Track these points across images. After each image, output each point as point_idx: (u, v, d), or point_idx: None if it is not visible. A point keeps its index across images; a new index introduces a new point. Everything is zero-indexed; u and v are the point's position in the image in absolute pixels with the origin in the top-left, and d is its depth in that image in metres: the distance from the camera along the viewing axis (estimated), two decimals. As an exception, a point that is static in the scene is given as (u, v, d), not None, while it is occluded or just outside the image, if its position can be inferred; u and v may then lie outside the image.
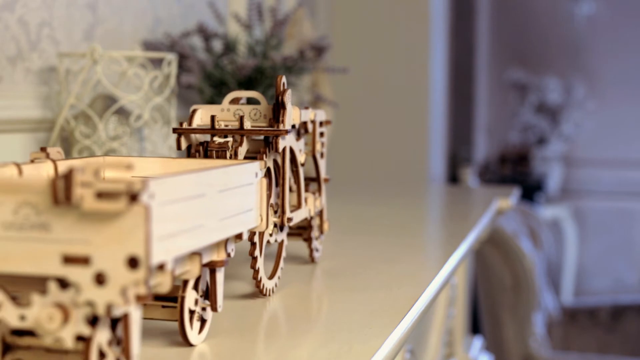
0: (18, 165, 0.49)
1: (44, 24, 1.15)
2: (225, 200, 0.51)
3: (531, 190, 3.70)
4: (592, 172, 4.30)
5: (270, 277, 0.72)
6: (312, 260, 0.87)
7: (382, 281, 0.78)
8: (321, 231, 0.87)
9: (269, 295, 0.72)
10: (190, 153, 0.68)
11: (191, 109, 0.70)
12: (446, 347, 1.33)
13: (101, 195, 0.40)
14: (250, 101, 1.30)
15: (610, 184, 4.28)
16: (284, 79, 0.69)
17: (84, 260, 0.41)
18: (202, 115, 0.70)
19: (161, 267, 0.43)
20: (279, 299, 0.71)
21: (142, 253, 0.40)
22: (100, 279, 0.41)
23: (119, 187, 0.40)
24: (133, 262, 0.40)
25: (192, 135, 0.68)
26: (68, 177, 0.40)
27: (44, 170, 0.52)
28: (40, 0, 1.14)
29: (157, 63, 1.22)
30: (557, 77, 4.28)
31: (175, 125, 1.16)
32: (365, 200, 1.53)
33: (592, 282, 4.21)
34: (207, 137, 0.71)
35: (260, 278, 0.69)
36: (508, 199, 1.52)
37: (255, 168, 0.57)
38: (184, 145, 0.68)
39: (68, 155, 1.13)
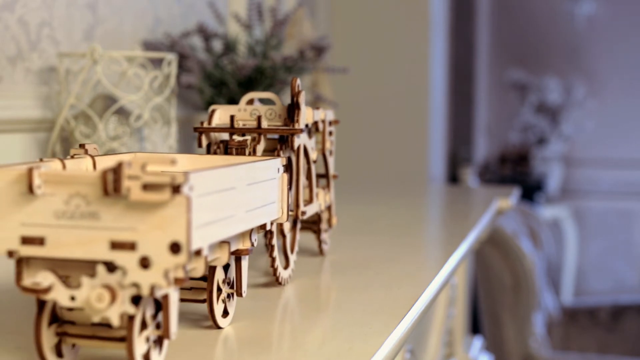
0: (62, 160, 0.53)
1: (44, 24, 1.16)
2: (252, 193, 0.56)
3: (531, 190, 3.72)
4: (592, 172, 4.32)
5: (285, 268, 0.76)
6: (320, 252, 0.92)
7: (382, 281, 0.79)
8: (329, 225, 0.92)
9: (285, 284, 0.77)
10: (209, 150, 0.73)
11: (210, 109, 0.75)
12: (446, 347, 1.33)
13: (147, 187, 0.45)
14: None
15: (610, 184, 4.30)
16: (299, 81, 0.73)
17: (130, 246, 0.45)
18: (220, 115, 0.74)
19: (198, 252, 0.48)
20: (291, 290, 0.75)
21: (183, 239, 0.45)
22: (145, 263, 0.46)
23: (164, 180, 0.44)
24: (175, 248, 0.45)
25: (212, 134, 0.73)
26: (117, 170, 0.44)
27: (84, 165, 0.56)
28: (40, 0, 1.15)
29: (157, 63, 1.23)
30: (557, 77, 4.30)
31: (175, 125, 1.19)
32: (365, 200, 1.53)
33: (592, 282, 4.23)
34: (223, 135, 0.76)
35: (278, 270, 0.73)
36: (508, 199, 1.52)
37: (278, 164, 0.62)
38: (204, 143, 0.73)
39: (68, 155, 1.13)
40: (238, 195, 0.53)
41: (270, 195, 0.59)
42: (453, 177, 3.57)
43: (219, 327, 0.61)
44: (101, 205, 0.45)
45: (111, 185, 0.44)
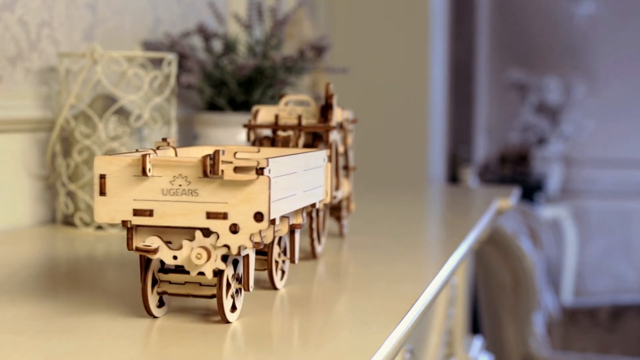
0: (154, 151, 0.69)
1: (44, 24, 1.21)
2: (306, 177, 0.73)
3: (531, 190, 3.85)
4: (592, 172, 4.44)
5: (319, 243, 0.94)
6: (340, 234, 1.08)
7: (382, 281, 0.83)
8: (348, 210, 1.08)
9: (318, 258, 0.92)
10: (254, 144, 0.92)
11: (254, 109, 0.93)
12: (446, 347, 1.38)
13: (237, 169, 0.61)
14: (250, 103, 1.45)
15: (610, 184, 4.43)
16: (332, 85, 0.90)
17: (223, 216, 0.62)
18: (262, 115, 0.92)
19: (272, 222, 0.64)
20: (322, 267, 0.90)
21: (265, 210, 0.61)
22: (234, 229, 0.62)
23: (251, 164, 0.61)
24: (259, 217, 0.61)
25: (257, 130, 0.91)
26: (214, 157, 0.61)
27: (168, 154, 0.72)
28: (40, 0, 1.20)
29: (157, 63, 1.27)
30: (557, 77, 4.43)
31: (174, 125, 1.29)
32: (365, 199, 1.55)
33: (592, 282, 4.36)
34: (264, 132, 0.93)
35: (315, 244, 0.91)
36: (508, 199, 1.57)
37: (324, 154, 0.80)
38: (251, 137, 0.91)
39: (68, 155, 1.21)
40: (298, 179, 0.70)
41: (318, 180, 0.77)
42: (453, 177, 3.69)
43: (275, 289, 0.77)
44: (199, 184, 0.62)
45: (209, 168, 0.61)
